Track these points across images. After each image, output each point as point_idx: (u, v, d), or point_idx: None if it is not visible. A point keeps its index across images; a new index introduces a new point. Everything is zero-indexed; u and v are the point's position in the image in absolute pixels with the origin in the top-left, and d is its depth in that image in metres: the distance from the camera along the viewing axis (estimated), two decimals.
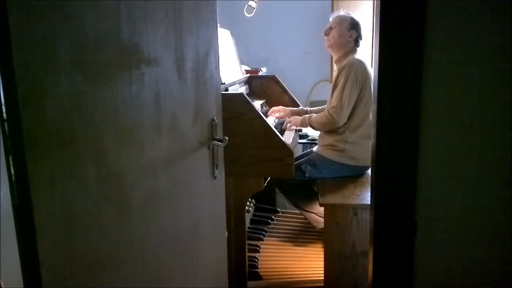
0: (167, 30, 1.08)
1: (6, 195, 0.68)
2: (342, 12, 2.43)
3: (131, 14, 0.92)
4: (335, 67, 3.28)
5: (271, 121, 2.38)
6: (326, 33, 2.40)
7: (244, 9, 2.90)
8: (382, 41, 1.10)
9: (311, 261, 2.44)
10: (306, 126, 2.46)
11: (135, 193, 0.97)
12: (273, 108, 2.67)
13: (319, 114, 2.35)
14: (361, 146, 2.28)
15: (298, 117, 2.49)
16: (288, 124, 2.47)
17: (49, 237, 0.72)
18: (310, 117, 2.38)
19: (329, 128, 2.32)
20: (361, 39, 2.37)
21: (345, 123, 2.27)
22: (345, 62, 2.27)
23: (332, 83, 2.34)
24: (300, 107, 2.76)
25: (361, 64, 2.24)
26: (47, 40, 0.71)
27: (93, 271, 0.85)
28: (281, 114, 2.63)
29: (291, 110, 2.66)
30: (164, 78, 1.07)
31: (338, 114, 2.23)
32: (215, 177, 1.41)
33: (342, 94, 2.21)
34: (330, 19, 2.43)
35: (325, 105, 2.61)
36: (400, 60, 1.09)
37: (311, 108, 2.72)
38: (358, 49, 2.37)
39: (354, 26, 2.34)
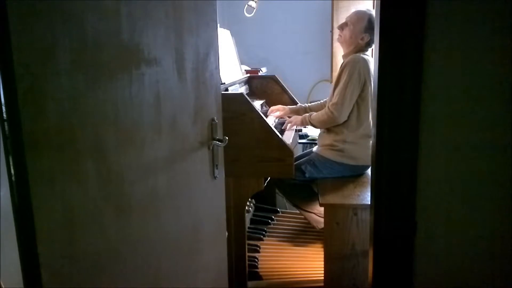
0: (167, 30, 1.08)
1: (6, 195, 0.68)
2: (363, 9, 2.33)
3: (131, 14, 0.92)
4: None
5: (271, 121, 2.38)
6: (340, 28, 2.35)
7: (244, 9, 2.90)
8: (382, 41, 1.10)
9: (311, 261, 2.44)
10: (306, 125, 2.44)
11: (135, 193, 0.97)
12: (272, 108, 2.66)
13: (320, 112, 2.34)
14: (361, 146, 2.28)
15: (298, 116, 2.48)
16: (289, 125, 2.46)
17: (49, 237, 0.72)
18: (310, 115, 2.36)
19: (329, 125, 2.29)
20: (373, 42, 2.30)
21: (345, 122, 2.26)
22: (348, 59, 2.23)
23: (335, 79, 2.30)
24: (298, 105, 2.75)
25: (365, 63, 2.20)
26: (47, 40, 0.71)
27: (93, 271, 0.85)
28: (281, 113, 2.62)
29: (290, 108, 2.64)
30: (164, 78, 1.07)
31: (339, 111, 2.20)
32: (215, 177, 1.41)
33: (344, 91, 2.18)
34: (350, 12, 2.35)
35: (324, 100, 2.60)
36: (400, 60, 1.09)
37: (310, 104, 2.67)
38: (369, 48, 2.32)
39: (369, 29, 2.24)
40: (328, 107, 2.25)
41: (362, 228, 2.03)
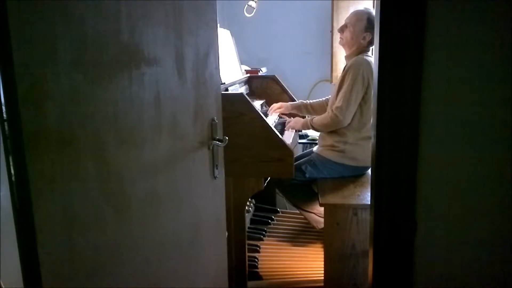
0: (167, 30, 1.08)
1: (6, 195, 0.68)
2: (361, 8, 2.33)
3: (131, 14, 0.92)
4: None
5: (271, 121, 2.38)
6: (340, 31, 2.35)
7: (244, 9, 2.90)
8: (382, 41, 1.10)
9: (311, 261, 2.44)
10: (308, 129, 2.43)
11: (135, 193, 0.97)
12: (273, 105, 2.67)
13: (322, 115, 2.33)
14: (362, 147, 2.27)
15: (299, 119, 2.47)
16: (288, 125, 2.45)
17: (49, 237, 0.72)
18: (311, 119, 2.34)
19: (333, 129, 2.28)
20: None
21: (347, 124, 2.26)
22: (352, 61, 2.23)
23: (338, 82, 2.29)
24: (300, 101, 2.74)
25: (368, 65, 2.19)
26: (47, 40, 0.71)
27: (93, 271, 0.85)
28: (282, 110, 2.62)
29: (291, 104, 2.64)
30: (164, 78, 1.07)
31: (343, 114, 2.19)
32: (215, 177, 1.41)
33: (349, 95, 2.18)
34: (348, 13, 2.36)
35: (326, 98, 2.60)
36: (400, 60, 1.09)
37: (311, 101, 2.66)
38: (371, 47, 2.31)
39: (369, 28, 2.24)
40: (331, 110, 2.23)
41: (362, 228, 2.03)
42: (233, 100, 1.90)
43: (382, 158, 1.16)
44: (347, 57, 2.37)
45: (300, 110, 2.64)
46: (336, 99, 2.26)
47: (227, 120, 1.53)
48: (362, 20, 2.26)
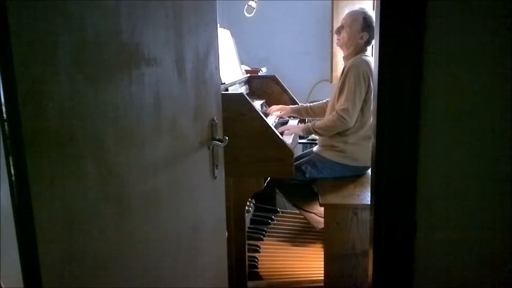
0: (167, 30, 1.08)
1: (6, 195, 0.68)
2: (356, 8, 2.34)
3: (131, 14, 0.92)
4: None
5: (271, 121, 2.38)
6: (337, 32, 2.35)
7: (244, 9, 2.90)
8: (382, 41, 1.10)
9: (311, 261, 2.44)
10: (309, 134, 2.40)
11: (135, 193, 0.97)
12: (273, 107, 2.66)
13: (325, 118, 2.30)
14: (362, 147, 2.27)
15: (300, 125, 2.46)
16: (286, 132, 2.37)
17: (49, 237, 0.72)
18: (313, 124, 2.30)
19: (338, 131, 2.25)
20: (373, 39, 2.24)
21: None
22: (351, 62, 2.22)
23: (339, 83, 2.28)
24: (300, 104, 2.74)
25: (367, 65, 2.19)
26: (47, 40, 0.71)
27: (93, 271, 0.85)
28: (282, 113, 2.62)
29: (291, 108, 2.64)
30: (164, 78, 1.07)
31: (350, 116, 2.17)
32: (215, 177, 1.41)
33: (353, 96, 2.16)
34: (345, 14, 2.36)
35: (325, 100, 2.59)
36: (400, 60, 1.09)
37: (311, 104, 2.65)
38: (369, 47, 2.31)
39: (366, 28, 2.24)
40: (337, 112, 2.21)
41: (362, 228, 2.03)
42: (233, 100, 1.90)
43: (382, 158, 1.16)
44: (345, 58, 2.37)
45: (300, 114, 2.63)
46: (336, 101, 2.24)
47: (227, 120, 1.53)
48: (358, 20, 2.26)
